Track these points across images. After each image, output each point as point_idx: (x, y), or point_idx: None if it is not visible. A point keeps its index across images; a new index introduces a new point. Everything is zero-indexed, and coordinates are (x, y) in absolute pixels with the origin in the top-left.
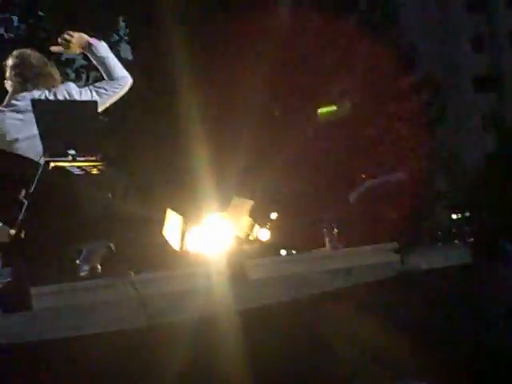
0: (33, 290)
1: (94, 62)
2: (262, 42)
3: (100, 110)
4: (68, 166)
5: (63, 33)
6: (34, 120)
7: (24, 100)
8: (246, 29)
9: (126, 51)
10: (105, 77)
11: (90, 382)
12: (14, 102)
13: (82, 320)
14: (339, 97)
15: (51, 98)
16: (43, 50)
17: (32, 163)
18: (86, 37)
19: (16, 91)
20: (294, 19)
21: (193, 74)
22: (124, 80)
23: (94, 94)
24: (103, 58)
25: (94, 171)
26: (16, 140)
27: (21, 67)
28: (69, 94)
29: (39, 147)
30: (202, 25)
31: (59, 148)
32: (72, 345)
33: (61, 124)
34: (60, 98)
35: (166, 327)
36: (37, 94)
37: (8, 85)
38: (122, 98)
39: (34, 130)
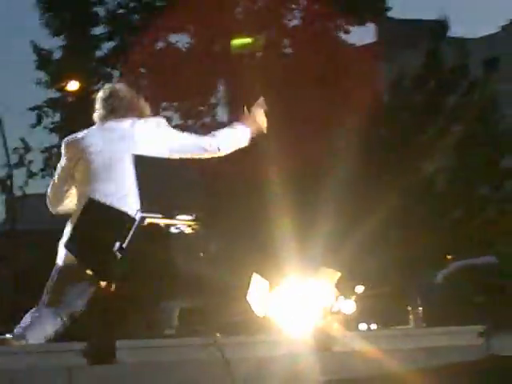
0: (119, 344)
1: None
2: (361, 117)
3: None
4: (163, 224)
5: None
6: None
7: (111, 125)
8: (346, 102)
9: (223, 113)
10: (215, 134)
11: None
12: (102, 125)
13: (165, 377)
14: (432, 174)
15: (141, 124)
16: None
17: (129, 217)
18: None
19: (103, 118)
20: (395, 97)
21: (282, 141)
22: (214, 152)
23: (179, 139)
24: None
25: (189, 230)
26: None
27: (111, 99)
28: (158, 125)
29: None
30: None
31: (156, 204)
32: None
33: (161, 180)
34: (151, 124)
35: None
36: (126, 121)
37: (96, 115)
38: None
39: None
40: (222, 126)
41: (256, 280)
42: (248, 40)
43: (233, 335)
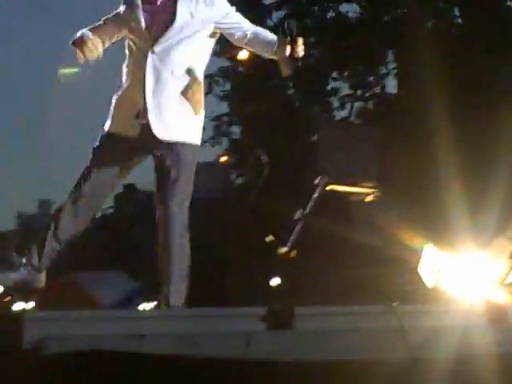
0: (297, 311)
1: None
2: None
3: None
4: (345, 191)
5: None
6: None
7: None
8: None
9: (392, 86)
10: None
11: None
12: None
13: (341, 344)
14: None
15: None
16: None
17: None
18: None
19: None
20: None
21: (449, 114)
22: None
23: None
24: None
25: (369, 198)
26: None
27: None
28: None
29: None
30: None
31: (338, 171)
32: (328, 368)
33: (341, 148)
34: None
35: (424, 362)
36: None
37: None
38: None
39: None
40: (391, 96)
41: (428, 250)
42: (75, 70)
43: (406, 304)
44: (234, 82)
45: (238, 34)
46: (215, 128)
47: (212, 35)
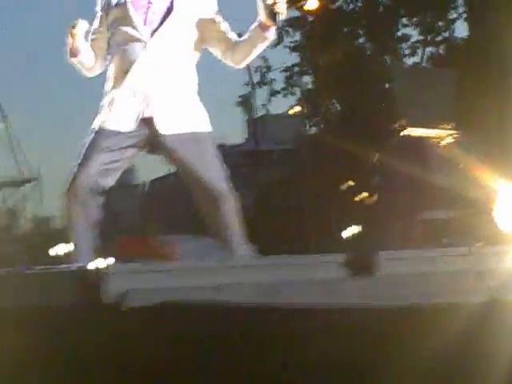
0: (378, 256)
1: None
2: None
3: None
4: (423, 134)
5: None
6: None
7: None
8: None
9: (461, 29)
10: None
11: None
12: None
13: (421, 287)
14: None
15: None
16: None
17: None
18: None
19: None
20: None
21: None
22: None
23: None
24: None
25: (448, 140)
26: None
27: None
28: None
29: None
30: None
31: (415, 115)
32: (410, 312)
33: (417, 90)
34: None
35: (504, 304)
36: None
37: None
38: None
39: None
40: (461, 41)
41: (505, 191)
42: None
43: (486, 246)
44: (304, 32)
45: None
46: (286, 79)
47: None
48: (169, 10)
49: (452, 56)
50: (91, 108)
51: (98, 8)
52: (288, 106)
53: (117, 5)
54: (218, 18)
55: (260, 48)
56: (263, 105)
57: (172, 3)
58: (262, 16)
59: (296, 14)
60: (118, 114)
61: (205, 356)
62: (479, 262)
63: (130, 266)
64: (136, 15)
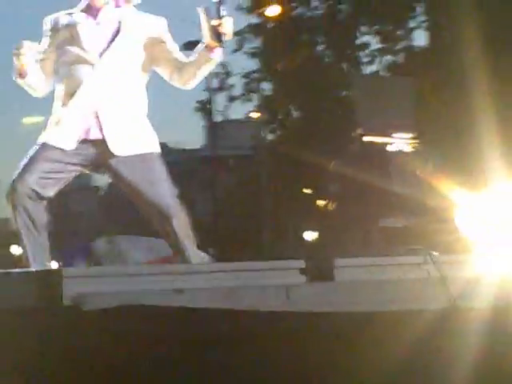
0: (337, 262)
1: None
2: None
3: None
4: (382, 142)
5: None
6: None
7: None
8: None
9: (420, 38)
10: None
11: (386, 356)
12: None
13: (380, 295)
14: None
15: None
16: (337, 32)
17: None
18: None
19: None
20: None
21: (483, 66)
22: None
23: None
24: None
25: (408, 149)
26: None
27: None
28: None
29: None
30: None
31: (374, 123)
32: (368, 319)
33: (376, 99)
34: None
35: (465, 311)
36: None
37: None
38: None
39: None
40: (420, 50)
41: (462, 201)
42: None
43: (445, 254)
44: (263, 38)
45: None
46: (245, 85)
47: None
48: (117, 31)
49: (411, 65)
50: (44, 110)
51: (47, 28)
52: (246, 111)
53: (66, 25)
54: (166, 38)
55: (206, 69)
56: (221, 110)
57: (119, 24)
58: (207, 37)
59: (256, 20)
60: (63, 132)
61: (162, 355)
62: (436, 270)
63: (87, 269)
64: (84, 36)
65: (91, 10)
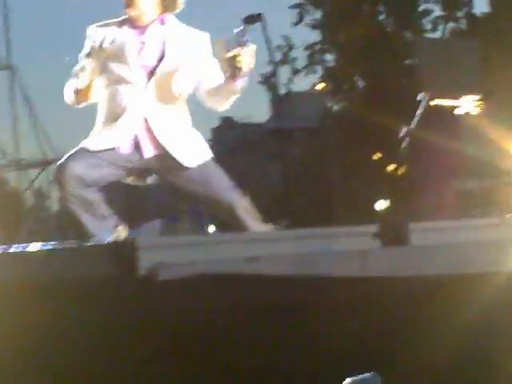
0: (411, 226)
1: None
2: None
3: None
4: (449, 105)
5: None
6: None
7: None
8: None
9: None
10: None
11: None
12: None
13: (456, 258)
14: None
15: None
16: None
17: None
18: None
19: None
20: None
21: None
22: None
23: None
24: None
25: (475, 111)
26: None
27: None
28: None
29: None
30: None
31: (440, 86)
32: (445, 282)
33: (441, 62)
34: None
35: None
36: None
37: None
38: None
39: None
40: (483, 15)
41: None
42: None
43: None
44: (324, 9)
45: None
46: (308, 57)
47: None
48: (162, 52)
49: (475, 30)
50: None
51: (91, 39)
52: (311, 84)
53: (112, 41)
54: (208, 56)
55: (233, 97)
56: (286, 83)
57: (164, 45)
58: (225, 71)
59: None
60: (112, 139)
61: (240, 326)
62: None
63: (160, 239)
64: (131, 56)
65: (137, 27)
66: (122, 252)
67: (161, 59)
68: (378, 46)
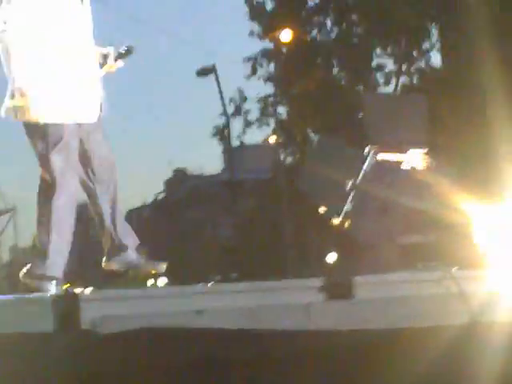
0: (355, 280)
1: None
2: None
3: None
4: (395, 159)
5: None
6: None
7: None
8: None
9: (435, 58)
10: None
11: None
12: None
13: (401, 311)
14: None
15: None
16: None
17: (359, 154)
18: None
19: None
20: None
21: (498, 82)
22: None
23: None
24: None
25: (421, 165)
26: None
27: None
28: None
29: None
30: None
31: (387, 140)
32: (389, 336)
33: (388, 116)
34: None
35: (484, 326)
36: None
37: None
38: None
39: None
40: (435, 71)
41: (481, 213)
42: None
43: (464, 269)
44: (277, 62)
45: None
46: (261, 109)
47: None
48: None
49: (426, 84)
50: None
51: None
52: (263, 135)
53: None
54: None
55: None
56: (238, 135)
57: None
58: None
59: (269, 45)
60: None
61: (186, 379)
62: (455, 286)
63: (105, 292)
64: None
65: None
66: (64, 305)
67: None
68: (330, 99)
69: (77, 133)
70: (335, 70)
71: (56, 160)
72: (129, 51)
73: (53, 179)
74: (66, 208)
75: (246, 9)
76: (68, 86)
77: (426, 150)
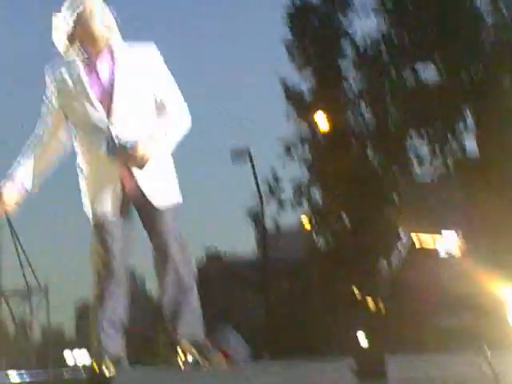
0: (389, 359)
1: None
2: None
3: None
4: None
5: None
6: None
7: None
8: None
9: (470, 143)
10: None
11: None
12: None
13: None
14: None
15: None
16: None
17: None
18: None
19: None
20: None
21: None
22: None
23: None
24: None
25: (456, 251)
26: None
27: None
28: None
29: None
30: None
31: (423, 222)
32: None
33: (426, 202)
34: None
35: None
36: None
37: None
38: None
39: None
40: (467, 152)
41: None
42: None
43: (498, 350)
44: (311, 144)
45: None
46: (295, 190)
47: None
48: (112, 80)
49: (460, 168)
50: None
51: (50, 80)
52: (296, 216)
53: (72, 80)
54: (160, 67)
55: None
56: (271, 216)
57: (114, 73)
58: None
59: (304, 126)
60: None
61: None
62: (489, 367)
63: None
64: (92, 93)
65: (89, 60)
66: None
67: (112, 86)
68: (364, 181)
69: None
70: (370, 153)
71: None
72: None
73: None
74: None
75: (280, 89)
76: None
77: (460, 232)
